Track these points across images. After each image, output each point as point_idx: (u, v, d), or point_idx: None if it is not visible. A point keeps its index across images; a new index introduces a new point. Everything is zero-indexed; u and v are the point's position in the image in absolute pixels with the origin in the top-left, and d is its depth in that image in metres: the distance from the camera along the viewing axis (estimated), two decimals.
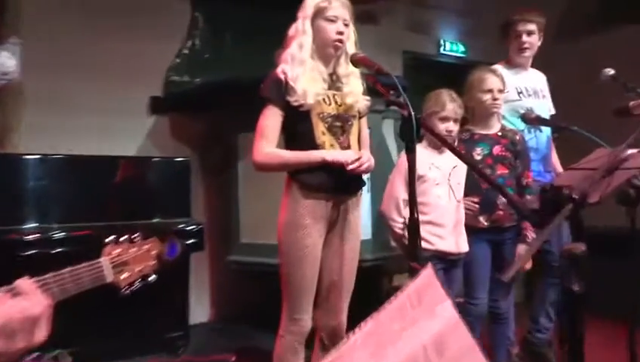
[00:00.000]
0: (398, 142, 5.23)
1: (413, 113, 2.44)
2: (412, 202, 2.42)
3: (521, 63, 4.65)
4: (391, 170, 3.96)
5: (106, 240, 1.88)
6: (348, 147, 3.26)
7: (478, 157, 4.03)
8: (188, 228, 4.98)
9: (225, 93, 5.38)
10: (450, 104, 3.82)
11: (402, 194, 3.74)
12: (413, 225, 2.38)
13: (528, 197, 4.10)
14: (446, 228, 3.80)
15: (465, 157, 3.56)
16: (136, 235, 1.92)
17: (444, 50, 8.10)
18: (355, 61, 3.12)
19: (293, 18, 3.35)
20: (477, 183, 3.95)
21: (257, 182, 5.24)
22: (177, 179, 5.20)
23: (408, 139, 2.46)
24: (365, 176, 3.36)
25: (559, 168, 4.68)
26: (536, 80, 4.72)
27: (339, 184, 3.22)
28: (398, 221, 3.75)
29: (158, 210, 5.02)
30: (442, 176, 3.83)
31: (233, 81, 5.30)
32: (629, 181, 2.92)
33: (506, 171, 4.09)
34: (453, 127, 3.83)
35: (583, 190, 2.65)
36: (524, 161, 4.18)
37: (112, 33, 5.68)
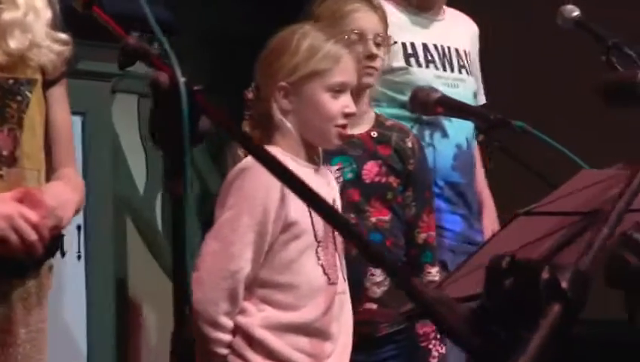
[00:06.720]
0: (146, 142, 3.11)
1: (182, 79, 1.18)
2: None
3: None
4: (140, 205, 2.67)
5: None
6: (13, 161, 1.71)
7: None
8: None
9: None
10: (345, 52, 2.02)
11: (246, 262, 1.95)
12: None
13: (431, 271, 2.34)
14: (328, 343, 2.03)
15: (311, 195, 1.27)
16: None
17: None
18: None
19: None
20: None
21: None
22: None
23: (165, 137, 1.22)
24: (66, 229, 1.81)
25: (491, 208, 2.84)
26: (457, 34, 2.80)
27: None
28: (227, 328, 1.94)
29: None
30: (324, 226, 2.02)
31: None
32: (627, 237, 1.33)
33: (387, 216, 2.27)
34: (351, 104, 2.03)
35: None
36: (422, 193, 2.36)
37: None
